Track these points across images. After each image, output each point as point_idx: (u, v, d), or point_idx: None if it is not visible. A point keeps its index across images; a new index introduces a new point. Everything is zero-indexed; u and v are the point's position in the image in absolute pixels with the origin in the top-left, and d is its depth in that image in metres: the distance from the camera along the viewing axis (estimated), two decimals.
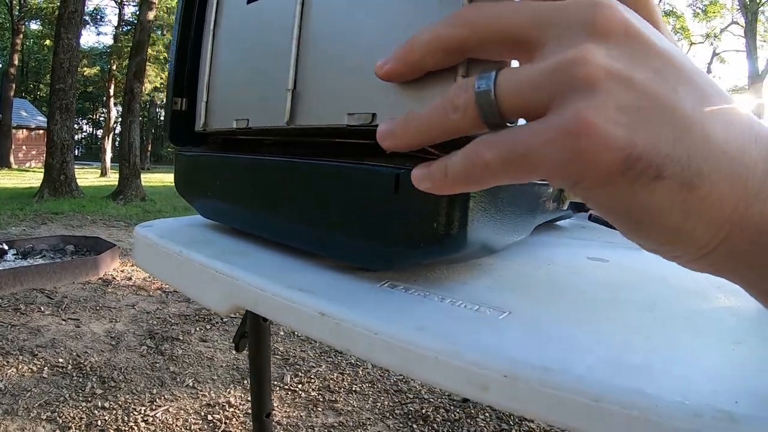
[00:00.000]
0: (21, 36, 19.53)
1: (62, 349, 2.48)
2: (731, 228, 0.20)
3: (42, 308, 2.98)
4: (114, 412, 1.99)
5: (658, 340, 0.29)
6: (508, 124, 0.22)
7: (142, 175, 9.85)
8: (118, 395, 2.11)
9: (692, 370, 0.25)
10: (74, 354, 2.44)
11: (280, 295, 0.34)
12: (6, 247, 3.83)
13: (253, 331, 0.69)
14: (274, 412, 0.80)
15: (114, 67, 18.64)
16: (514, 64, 0.26)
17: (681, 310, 0.36)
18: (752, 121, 0.21)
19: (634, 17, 0.21)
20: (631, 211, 0.20)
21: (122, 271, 3.91)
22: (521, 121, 0.22)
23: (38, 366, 2.29)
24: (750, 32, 17.59)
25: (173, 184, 0.61)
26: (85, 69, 21.14)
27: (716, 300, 0.39)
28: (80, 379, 2.21)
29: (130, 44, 10.62)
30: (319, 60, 0.38)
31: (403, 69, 0.27)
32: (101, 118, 34.31)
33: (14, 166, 19.04)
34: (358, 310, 0.31)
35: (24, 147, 22.04)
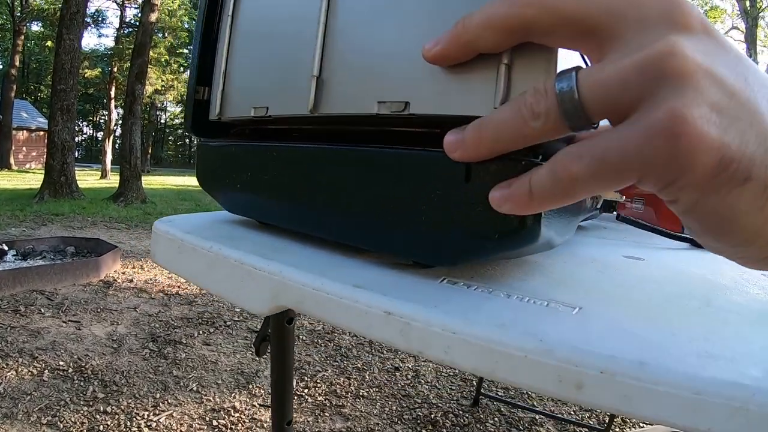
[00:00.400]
0: (22, 37, 19.52)
1: (63, 351, 2.44)
2: None
3: (42, 310, 2.94)
4: (116, 416, 1.95)
5: (726, 333, 0.28)
6: (593, 127, 0.21)
7: (143, 178, 9.82)
8: (121, 399, 2.07)
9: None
10: (75, 357, 2.40)
11: (334, 293, 0.30)
12: (6, 248, 3.80)
13: (276, 335, 0.65)
14: None
15: (115, 69, 18.65)
16: (560, 55, 0.25)
17: (731, 305, 0.35)
18: None
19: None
20: (716, 214, 0.20)
21: (123, 273, 3.87)
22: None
23: (38, 369, 2.25)
24: (750, 38, 17.64)
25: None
26: (86, 71, 21.14)
27: (756, 295, 0.39)
28: (81, 383, 2.17)
29: (132, 46, 10.61)
30: (346, 44, 0.35)
31: (454, 50, 0.26)
32: (101, 121, 34.39)
33: (14, 167, 19.00)
34: (427, 308, 0.27)
35: (24, 148, 22.01)
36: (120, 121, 12.05)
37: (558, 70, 0.23)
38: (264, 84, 0.44)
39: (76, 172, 8.84)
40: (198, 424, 1.93)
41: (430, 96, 0.29)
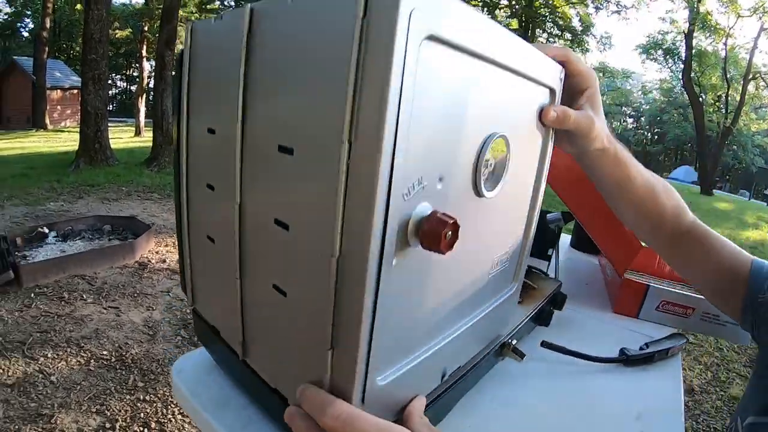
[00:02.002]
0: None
1: (105, 340, 2.70)
2: None
3: (84, 296, 3.20)
4: (154, 404, 2.19)
5: None
6: None
7: None
8: (157, 387, 2.31)
9: None
10: (116, 345, 2.65)
11: None
12: (47, 231, 4.07)
13: None
14: None
15: (146, 28, 18.70)
16: None
17: None
18: None
19: None
20: None
21: (157, 253, 4.11)
22: None
23: (85, 358, 2.50)
24: None
25: None
26: (117, 32, 21.15)
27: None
28: (123, 372, 2.41)
29: (161, 6, 10.62)
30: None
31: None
32: (135, 74, 34.57)
33: (50, 126, 19.48)
34: None
35: (59, 107, 22.43)
36: (153, 75, 12.19)
37: None
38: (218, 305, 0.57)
39: (110, 129, 9.08)
40: None
41: None
